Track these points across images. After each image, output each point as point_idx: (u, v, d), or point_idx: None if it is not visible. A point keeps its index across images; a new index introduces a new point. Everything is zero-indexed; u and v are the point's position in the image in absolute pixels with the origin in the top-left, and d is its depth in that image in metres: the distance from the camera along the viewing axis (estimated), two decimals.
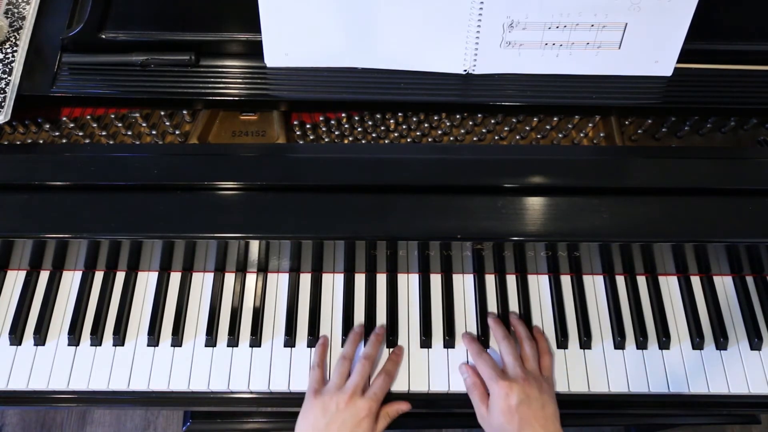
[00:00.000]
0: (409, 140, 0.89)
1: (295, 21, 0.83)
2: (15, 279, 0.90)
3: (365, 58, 0.86)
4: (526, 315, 0.88)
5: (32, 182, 0.78)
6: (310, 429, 0.77)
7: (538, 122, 0.91)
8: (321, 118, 0.91)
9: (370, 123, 0.90)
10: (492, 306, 0.89)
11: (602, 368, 0.85)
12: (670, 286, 0.92)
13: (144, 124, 0.90)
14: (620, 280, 0.91)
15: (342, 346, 0.85)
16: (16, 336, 0.85)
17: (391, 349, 0.86)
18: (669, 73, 0.88)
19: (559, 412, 0.78)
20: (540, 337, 0.86)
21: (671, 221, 0.78)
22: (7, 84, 0.84)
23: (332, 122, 0.91)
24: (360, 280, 0.90)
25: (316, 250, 0.85)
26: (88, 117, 0.90)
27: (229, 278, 0.90)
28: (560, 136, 0.90)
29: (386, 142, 0.89)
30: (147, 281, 0.90)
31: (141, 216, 0.76)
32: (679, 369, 0.86)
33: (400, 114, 0.91)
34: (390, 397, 0.84)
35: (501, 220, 0.77)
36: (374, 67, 0.87)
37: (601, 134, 0.90)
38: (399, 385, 0.84)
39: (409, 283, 0.90)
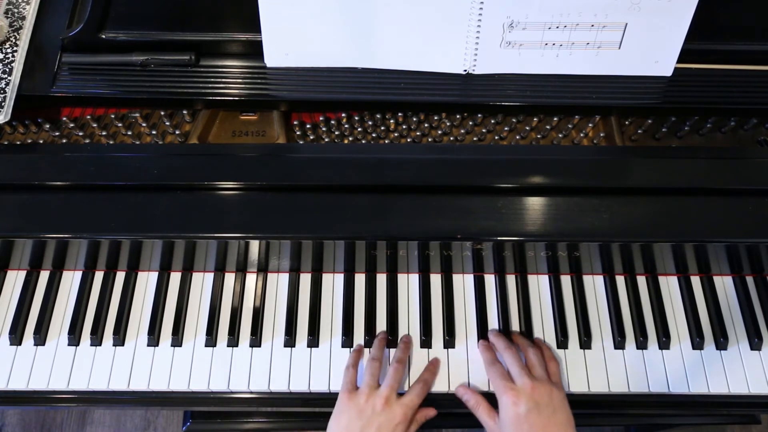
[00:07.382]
0: (409, 140, 0.89)
1: (295, 21, 0.83)
2: (15, 279, 0.90)
3: (365, 58, 0.86)
4: (526, 315, 0.88)
5: (32, 182, 0.78)
6: (344, 430, 0.76)
7: (538, 122, 0.91)
8: (321, 118, 0.91)
9: (370, 123, 0.90)
10: (492, 306, 0.89)
11: (602, 368, 0.85)
12: (670, 286, 0.91)
13: (144, 124, 0.90)
14: (620, 280, 0.91)
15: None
16: (16, 336, 0.85)
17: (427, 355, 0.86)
18: (669, 73, 0.88)
19: (573, 417, 0.76)
20: (543, 346, 0.85)
21: (671, 221, 0.78)
22: (7, 84, 0.84)
23: (332, 122, 0.91)
24: (360, 280, 0.90)
25: (316, 250, 0.85)
26: (88, 117, 0.90)
27: (229, 278, 0.90)
28: (560, 136, 0.90)
29: (386, 142, 0.89)
30: (147, 281, 0.90)
31: (141, 216, 0.76)
32: (679, 369, 0.85)
33: (400, 114, 0.91)
34: None
35: (501, 220, 0.77)
36: (374, 67, 0.87)
37: (601, 134, 0.90)
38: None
39: (409, 283, 0.90)
